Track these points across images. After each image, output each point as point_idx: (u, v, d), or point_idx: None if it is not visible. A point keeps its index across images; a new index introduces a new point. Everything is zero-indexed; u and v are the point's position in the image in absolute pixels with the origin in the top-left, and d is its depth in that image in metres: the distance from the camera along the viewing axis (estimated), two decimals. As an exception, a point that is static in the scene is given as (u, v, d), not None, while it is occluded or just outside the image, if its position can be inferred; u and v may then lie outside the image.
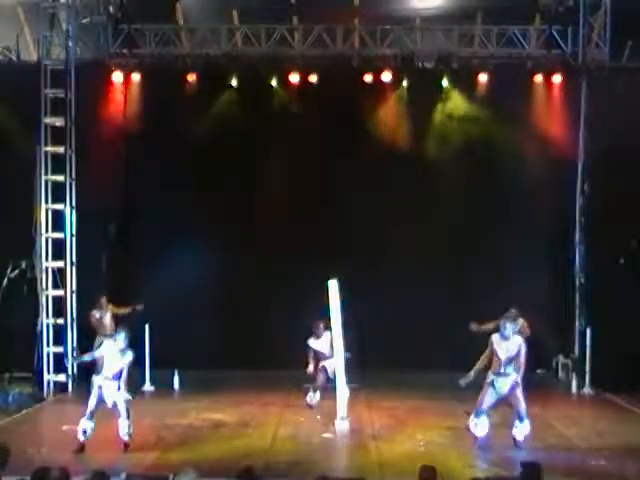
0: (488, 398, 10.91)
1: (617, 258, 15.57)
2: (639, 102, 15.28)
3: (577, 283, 15.95)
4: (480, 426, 11.00)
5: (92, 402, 10.94)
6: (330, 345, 13.08)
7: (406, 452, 10.96)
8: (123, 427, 10.89)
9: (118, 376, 10.94)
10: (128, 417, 10.92)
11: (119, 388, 10.94)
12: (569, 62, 16.19)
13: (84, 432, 10.81)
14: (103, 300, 14.58)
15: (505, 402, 11.09)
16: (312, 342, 13.52)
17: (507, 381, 10.78)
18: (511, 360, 10.69)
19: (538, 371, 16.44)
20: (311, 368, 13.52)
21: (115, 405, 10.94)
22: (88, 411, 10.89)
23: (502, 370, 10.73)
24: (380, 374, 14.94)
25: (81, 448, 10.76)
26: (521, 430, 11.05)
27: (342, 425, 12.31)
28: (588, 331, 15.23)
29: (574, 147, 15.88)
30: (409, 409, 13.72)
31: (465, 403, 13.68)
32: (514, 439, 11.11)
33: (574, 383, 15.24)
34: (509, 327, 10.82)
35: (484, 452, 10.89)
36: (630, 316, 14.87)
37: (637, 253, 15.63)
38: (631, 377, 14.28)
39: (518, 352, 10.71)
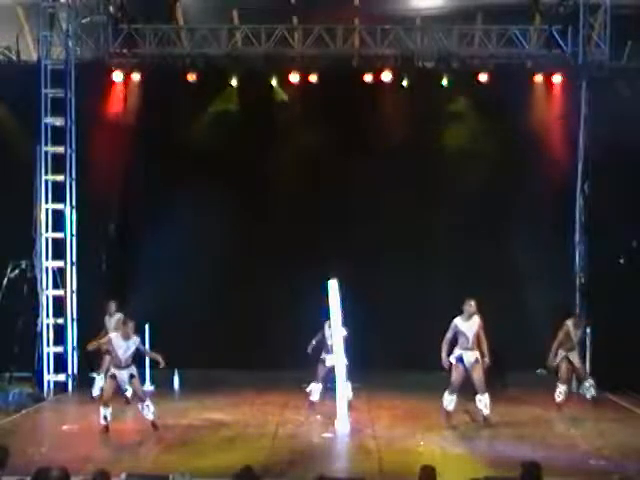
0: (459, 374, 12.53)
1: (617, 258, 15.56)
2: (639, 102, 15.27)
3: (577, 283, 15.95)
4: (452, 402, 12.56)
5: (107, 391, 12.29)
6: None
7: (406, 452, 10.96)
8: (145, 409, 12.12)
9: (128, 364, 12.24)
10: (146, 398, 12.21)
11: (131, 376, 12.23)
12: (569, 62, 16.18)
13: (105, 418, 12.06)
14: (112, 306, 14.41)
15: (468, 375, 12.57)
16: (327, 329, 13.27)
17: (472, 354, 12.46)
18: (474, 337, 12.47)
19: (538, 371, 16.44)
20: (313, 343, 13.38)
21: (132, 392, 12.32)
22: (104, 399, 12.19)
23: (469, 345, 12.44)
24: (380, 374, 14.94)
25: (106, 430, 12.01)
26: (484, 402, 12.49)
27: (342, 425, 12.31)
28: (588, 331, 15.22)
29: (574, 147, 15.87)
30: (409, 409, 13.73)
31: (465, 402, 13.75)
32: (482, 416, 12.51)
33: (574, 383, 15.21)
34: (468, 310, 12.53)
35: (484, 452, 10.91)
36: (630, 316, 14.86)
37: (637, 253, 15.62)
38: (631, 377, 14.26)
39: (478, 329, 12.47)
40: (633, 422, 12.94)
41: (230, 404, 14.00)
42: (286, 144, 16.46)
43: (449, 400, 12.57)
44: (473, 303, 12.58)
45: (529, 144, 16.28)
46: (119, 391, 12.55)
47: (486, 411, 12.48)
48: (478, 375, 12.47)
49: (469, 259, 16.14)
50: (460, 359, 12.49)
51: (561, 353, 14.05)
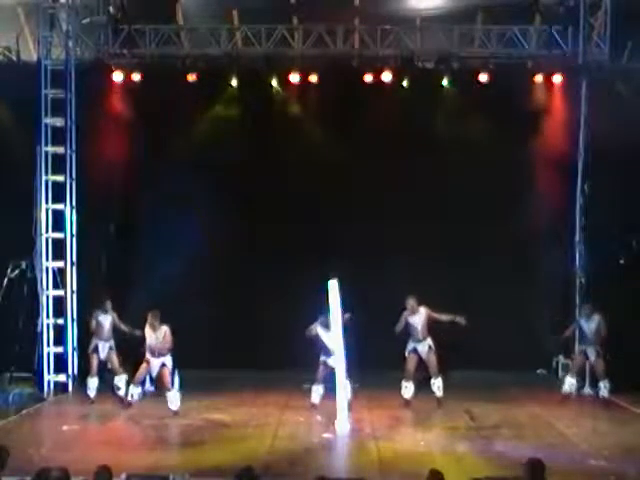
0: (412, 363, 13.81)
1: (617, 258, 15.56)
2: (639, 102, 15.27)
3: (577, 283, 15.94)
4: (408, 389, 13.74)
5: (141, 373, 13.42)
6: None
7: (406, 452, 10.96)
8: (170, 398, 13.08)
9: (161, 352, 13.31)
10: (173, 387, 13.34)
11: (163, 365, 13.30)
12: (569, 62, 16.18)
13: (132, 395, 13.31)
14: (108, 304, 14.44)
15: (422, 363, 13.85)
16: (321, 331, 13.24)
17: (424, 344, 13.76)
18: (423, 328, 13.75)
19: (538, 371, 16.46)
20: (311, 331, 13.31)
21: (160, 378, 13.37)
22: (137, 379, 13.39)
23: (420, 337, 13.77)
24: (380, 374, 14.93)
25: (129, 405, 13.31)
26: (437, 385, 13.71)
27: (342, 425, 12.31)
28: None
29: (574, 147, 15.87)
30: (409, 409, 13.74)
31: (465, 402, 13.77)
32: (436, 397, 13.65)
33: (574, 382, 15.19)
34: (411, 304, 13.80)
35: (484, 452, 10.91)
36: (630, 316, 14.86)
37: (637, 253, 15.62)
38: (631, 377, 14.26)
39: (426, 319, 13.76)
40: (633, 422, 12.92)
41: (230, 404, 14.00)
42: (286, 144, 16.47)
43: (404, 387, 13.76)
44: (412, 300, 13.77)
45: (529, 144, 16.29)
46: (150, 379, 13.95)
47: (439, 393, 13.68)
48: (432, 362, 13.76)
49: (469, 259, 16.14)
50: (414, 350, 13.83)
51: (580, 347, 14.29)
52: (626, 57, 16.12)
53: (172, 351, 13.56)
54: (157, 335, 13.40)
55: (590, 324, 14.24)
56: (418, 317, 13.82)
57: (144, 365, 13.46)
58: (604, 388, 14.02)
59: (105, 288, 15.17)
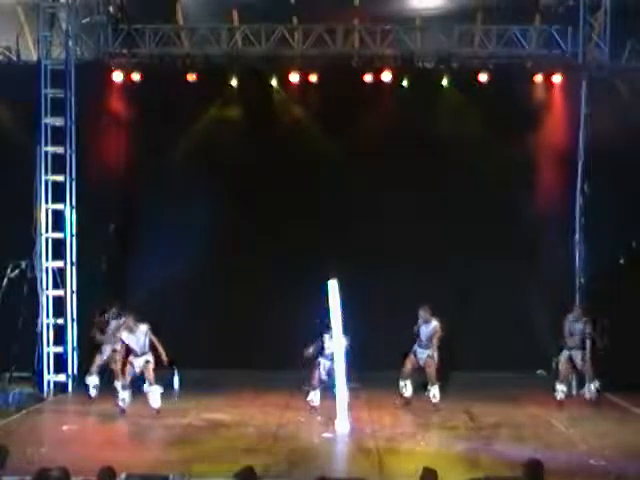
0: (411, 364, 13.98)
1: (617, 258, 15.56)
2: (639, 102, 15.27)
3: (577, 283, 15.94)
4: (406, 388, 13.93)
5: (128, 375, 13.30)
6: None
7: (406, 452, 10.97)
8: (152, 395, 13.12)
9: (144, 352, 13.33)
10: (156, 382, 13.20)
11: (146, 362, 13.29)
12: (569, 62, 16.18)
13: (123, 400, 13.16)
14: (114, 311, 14.46)
15: (420, 368, 13.97)
16: (327, 339, 13.31)
17: (425, 352, 13.89)
18: (428, 338, 13.85)
19: (538, 372, 16.45)
20: (310, 352, 13.41)
21: (143, 374, 13.29)
22: (125, 382, 13.27)
23: (423, 344, 13.91)
24: (380, 374, 14.93)
25: (122, 412, 13.12)
26: (433, 392, 13.74)
27: (342, 425, 12.31)
28: (588, 329, 15.15)
29: (574, 147, 15.87)
30: (409, 409, 13.74)
31: (465, 402, 13.78)
32: (432, 404, 13.61)
33: (574, 383, 15.20)
34: (423, 315, 13.93)
35: (484, 452, 10.91)
36: (630, 316, 14.86)
37: (637, 253, 15.62)
38: (631, 377, 14.26)
39: (433, 332, 13.82)
40: (633, 422, 12.94)
41: (230, 404, 14.00)
42: (286, 144, 16.47)
43: (402, 386, 13.95)
44: (425, 310, 13.84)
45: (529, 144, 16.29)
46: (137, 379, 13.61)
47: (435, 400, 13.73)
48: (430, 369, 13.86)
49: (469, 259, 16.14)
50: (415, 353, 13.98)
51: (565, 352, 14.15)
52: (626, 57, 16.11)
53: (156, 349, 13.39)
54: (137, 336, 13.39)
55: (577, 325, 14.24)
56: (425, 328, 13.90)
57: (128, 368, 13.44)
58: (594, 390, 14.01)
59: (111, 296, 15.14)
